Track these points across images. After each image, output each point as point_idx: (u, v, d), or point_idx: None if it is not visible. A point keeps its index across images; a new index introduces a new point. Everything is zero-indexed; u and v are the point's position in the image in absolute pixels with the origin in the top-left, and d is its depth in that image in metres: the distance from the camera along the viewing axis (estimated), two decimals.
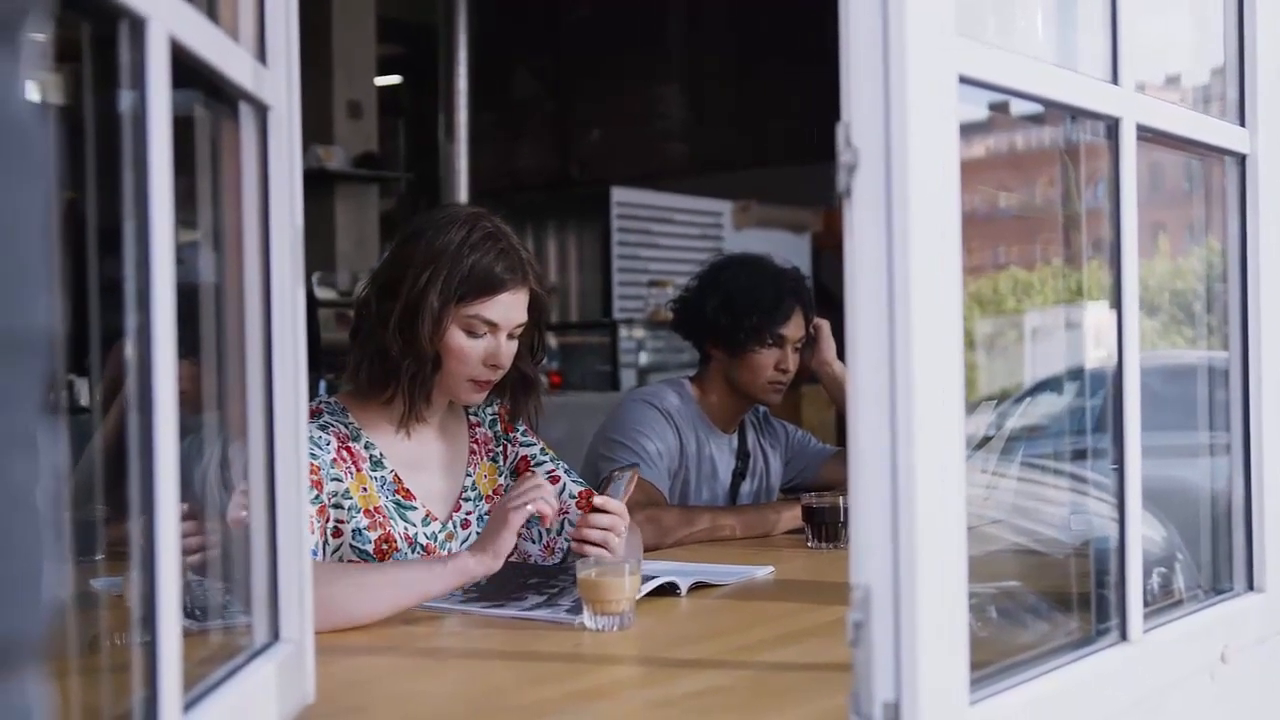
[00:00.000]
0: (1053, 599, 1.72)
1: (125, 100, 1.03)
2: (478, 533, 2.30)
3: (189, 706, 1.11)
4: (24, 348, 0.57)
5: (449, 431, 2.36)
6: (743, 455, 3.17)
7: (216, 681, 1.22)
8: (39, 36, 0.61)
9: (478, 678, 1.70)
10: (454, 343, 2.20)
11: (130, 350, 1.03)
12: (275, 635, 1.38)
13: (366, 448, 2.24)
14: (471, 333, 2.20)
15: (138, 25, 1.00)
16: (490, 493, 2.38)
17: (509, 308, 2.22)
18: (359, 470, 2.20)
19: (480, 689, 1.64)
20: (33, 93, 0.59)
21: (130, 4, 0.98)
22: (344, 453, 2.19)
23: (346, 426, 2.23)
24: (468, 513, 2.34)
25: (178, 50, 1.07)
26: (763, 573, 2.36)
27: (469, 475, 2.36)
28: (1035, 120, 1.73)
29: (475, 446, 2.39)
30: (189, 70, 1.13)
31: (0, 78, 0.57)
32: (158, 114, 1.02)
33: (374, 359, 2.21)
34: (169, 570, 1.03)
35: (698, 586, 2.20)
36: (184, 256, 1.11)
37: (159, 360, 1.02)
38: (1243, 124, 1.82)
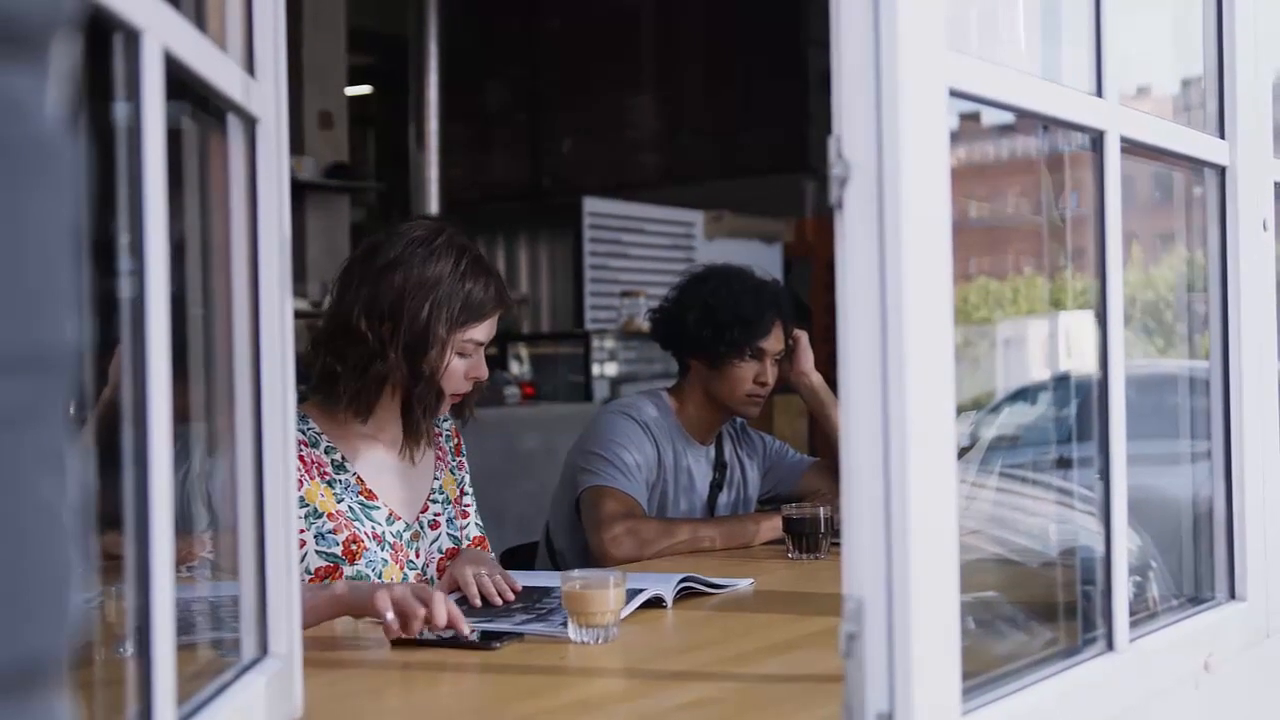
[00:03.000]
0: (1037, 609, 1.73)
1: (118, 111, 1.02)
2: (447, 534, 2.41)
3: None
4: (52, 364, 0.57)
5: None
6: (720, 466, 3.17)
7: (207, 697, 1.21)
8: (66, 53, 0.61)
9: (465, 692, 1.69)
10: (450, 366, 2.29)
11: (124, 363, 1.02)
12: (264, 650, 1.38)
13: (327, 452, 2.29)
14: (462, 354, 2.30)
15: (132, 37, 1.00)
16: (453, 500, 2.46)
17: (493, 326, 2.35)
18: (314, 479, 2.25)
19: (468, 703, 1.64)
20: (59, 108, 0.59)
21: (125, 16, 0.97)
22: (297, 460, 2.21)
23: (305, 433, 2.27)
24: (436, 514, 2.41)
25: (170, 62, 1.06)
26: (744, 584, 2.36)
27: (436, 479, 2.43)
28: (1005, 130, 1.75)
29: (440, 453, 2.47)
30: (178, 82, 1.13)
31: (29, 94, 0.56)
32: (152, 126, 1.02)
33: (374, 385, 2.26)
34: (163, 585, 1.02)
35: (685, 594, 2.20)
36: (171, 268, 1.11)
37: (153, 373, 1.01)
38: (1222, 136, 1.83)
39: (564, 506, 3.00)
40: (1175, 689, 1.67)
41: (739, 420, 3.22)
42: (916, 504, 1.17)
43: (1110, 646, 1.53)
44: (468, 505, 2.52)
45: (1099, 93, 1.53)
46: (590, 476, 2.89)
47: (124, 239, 1.02)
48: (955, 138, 1.51)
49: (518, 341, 7.81)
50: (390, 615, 1.82)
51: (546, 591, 2.20)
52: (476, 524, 2.52)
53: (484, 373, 2.35)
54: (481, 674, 1.75)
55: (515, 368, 7.57)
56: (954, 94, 1.25)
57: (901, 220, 1.16)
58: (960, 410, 2.26)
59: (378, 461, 2.34)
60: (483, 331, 2.31)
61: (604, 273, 8.13)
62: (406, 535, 2.34)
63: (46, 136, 0.57)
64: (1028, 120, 1.60)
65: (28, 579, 0.55)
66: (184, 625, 1.40)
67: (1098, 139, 1.53)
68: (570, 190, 8.95)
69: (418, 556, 2.35)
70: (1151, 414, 2.10)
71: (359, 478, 2.30)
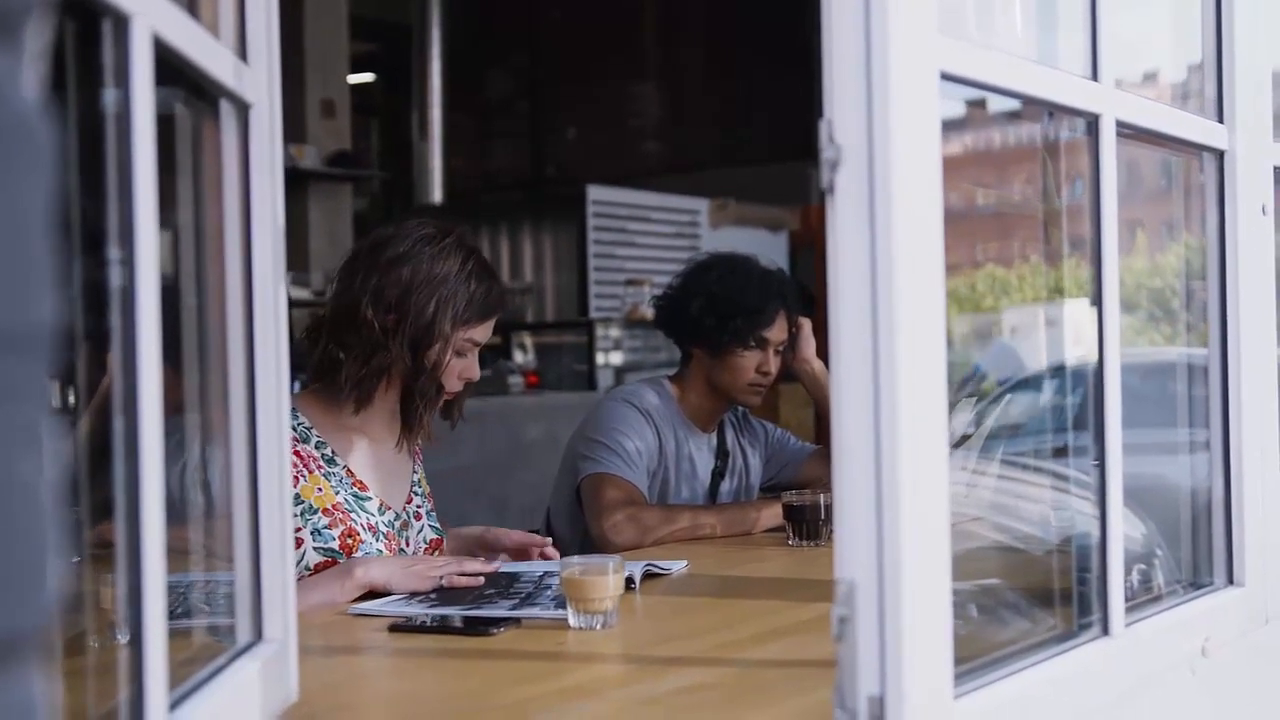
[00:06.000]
0: (1035, 595, 1.73)
1: (107, 98, 1.02)
2: (430, 525, 2.46)
3: (174, 706, 1.10)
4: (30, 343, 0.58)
5: (395, 431, 2.43)
6: (722, 454, 3.17)
7: (201, 681, 1.21)
8: (41, 31, 0.61)
9: (462, 677, 1.69)
10: (449, 363, 2.32)
11: (114, 352, 1.02)
12: (259, 634, 1.38)
13: (317, 447, 2.31)
14: (459, 353, 2.34)
15: (121, 22, 1.00)
16: (428, 493, 2.52)
17: (490, 329, 2.39)
18: (311, 472, 2.27)
19: (465, 688, 1.64)
20: (35, 90, 0.59)
21: (114, 1, 0.97)
22: (293, 456, 2.22)
23: (295, 428, 2.29)
24: (418, 506, 2.46)
25: (160, 47, 1.06)
26: (677, 567, 2.38)
27: (415, 472, 2.48)
28: (1012, 117, 1.74)
29: (417, 450, 2.51)
30: (170, 68, 1.13)
31: (2, 76, 0.56)
32: (142, 112, 1.02)
33: (375, 375, 2.29)
34: (154, 571, 1.02)
35: (649, 576, 2.25)
36: (162, 256, 1.11)
37: (143, 362, 1.01)
38: (1221, 120, 1.83)
39: (565, 493, 3.01)
40: (1171, 673, 1.67)
41: (741, 408, 3.22)
42: (907, 487, 1.17)
43: (1105, 631, 1.53)
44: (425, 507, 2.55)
45: (1094, 76, 1.53)
46: (591, 464, 2.90)
47: (115, 227, 1.03)
48: (962, 124, 1.51)
49: (522, 330, 7.82)
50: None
51: (515, 577, 2.21)
52: (433, 526, 2.53)
53: (475, 374, 2.39)
54: (478, 659, 1.76)
55: (519, 357, 7.58)
56: (946, 78, 1.25)
57: (892, 204, 1.16)
58: (967, 398, 2.26)
59: (365, 454, 2.37)
60: (482, 332, 2.35)
61: (608, 261, 8.13)
62: (396, 525, 2.38)
63: (21, 118, 0.58)
64: (1034, 106, 1.60)
65: (4, 555, 0.56)
66: (184, 610, 1.40)
67: (1093, 123, 1.53)
68: (574, 179, 8.95)
69: (408, 545, 2.39)
70: (1157, 402, 2.10)
71: (349, 470, 2.33)
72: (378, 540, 2.30)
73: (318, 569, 2.21)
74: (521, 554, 2.44)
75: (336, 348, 2.29)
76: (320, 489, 2.27)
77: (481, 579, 2.17)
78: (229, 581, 1.40)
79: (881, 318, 1.17)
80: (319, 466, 2.28)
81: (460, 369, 2.35)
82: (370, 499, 2.33)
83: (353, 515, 2.28)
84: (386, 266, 2.28)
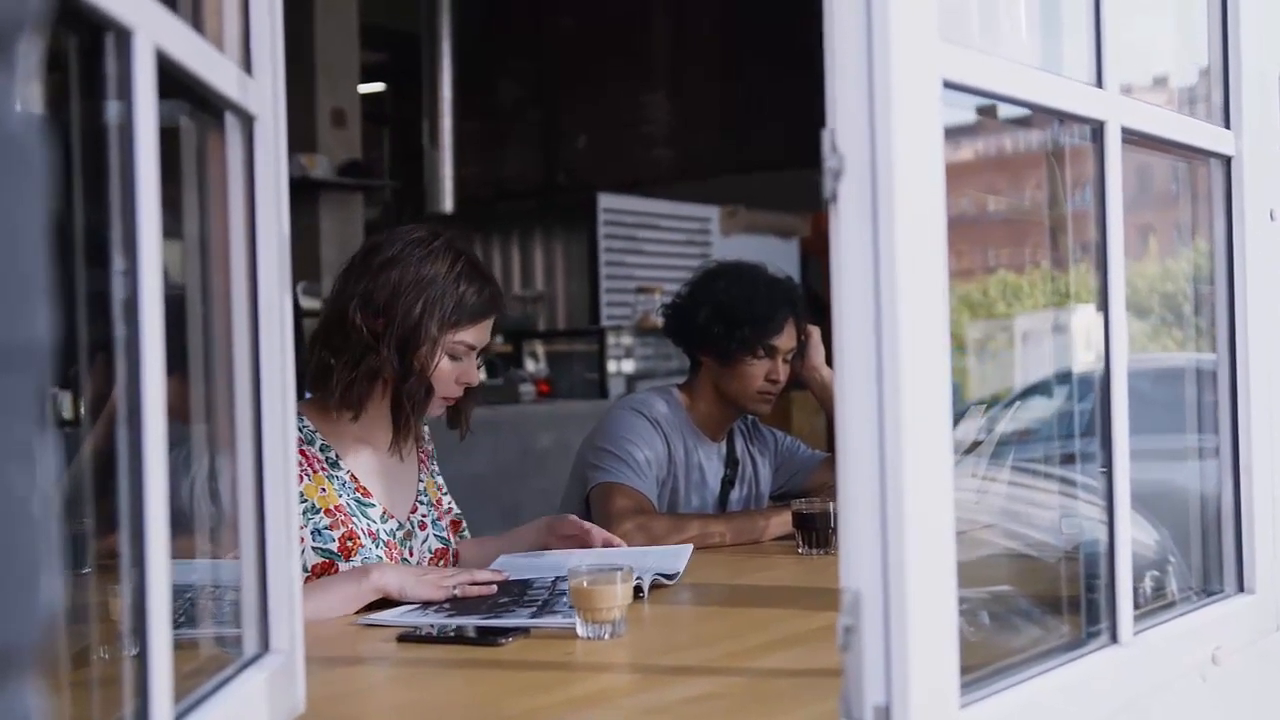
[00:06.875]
0: (1044, 602, 1.72)
1: (111, 111, 1.02)
2: (435, 535, 2.45)
3: (179, 718, 1.10)
4: (23, 358, 0.58)
5: None
6: (732, 463, 3.17)
7: (207, 693, 1.22)
8: (34, 49, 0.61)
9: (470, 687, 1.69)
10: (440, 366, 2.32)
11: (118, 363, 1.02)
12: (265, 646, 1.38)
13: (322, 450, 2.32)
14: (453, 356, 2.33)
15: (124, 36, 1.00)
16: (435, 501, 2.51)
17: (487, 331, 2.38)
18: (315, 473, 2.29)
19: (473, 698, 1.64)
20: (28, 104, 0.59)
21: (117, 15, 0.98)
22: (297, 455, 2.24)
23: (301, 431, 2.29)
24: (423, 515, 2.46)
25: (163, 61, 1.07)
26: (684, 559, 2.40)
27: (420, 481, 2.48)
28: (1023, 123, 1.74)
29: (423, 458, 2.51)
30: (174, 80, 1.13)
31: None
32: (145, 125, 1.02)
33: (365, 379, 2.29)
34: (159, 582, 1.02)
35: (656, 586, 2.24)
36: (169, 268, 1.11)
37: (147, 373, 1.02)
38: (1228, 126, 1.82)
39: (574, 502, 3.01)
40: (1181, 681, 1.66)
41: (750, 416, 3.22)
42: (912, 495, 1.16)
43: (1114, 639, 1.53)
44: (449, 501, 2.56)
45: (1099, 83, 1.52)
46: (601, 473, 2.90)
47: (119, 239, 1.03)
48: (973, 131, 1.51)
49: (533, 339, 7.81)
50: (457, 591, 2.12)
51: (528, 584, 2.21)
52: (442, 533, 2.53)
53: (474, 378, 2.38)
54: (487, 669, 1.76)
55: (531, 365, 7.57)
56: (948, 85, 1.25)
57: (895, 213, 1.16)
58: (977, 404, 2.24)
59: (369, 462, 2.38)
60: (474, 335, 2.34)
61: (619, 269, 8.13)
62: (399, 534, 2.38)
63: (14, 134, 0.58)
64: (1041, 113, 1.59)
65: None
66: (188, 618, 1.40)
67: (1098, 130, 1.53)
68: (584, 187, 8.94)
69: (411, 555, 2.39)
70: (1169, 408, 2.09)
71: (353, 475, 2.34)
72: (377, 547, 2.30)
73: (315, 570, 2.22)
74: (582, 542, 2.47)
75: (328, 354, 2.30)
76: (324, 489, 2.28)
77: (494, 588, 2.17)
78: (235, 587, 1.40)
79: (885, 326, 1.17)
80: (323, 468, 2.29)
81: (456, 373, 2.34)
82: (374, 506, 2.34)
83: (354, 519, 2.29)
84: (377, 271, 2.30)
